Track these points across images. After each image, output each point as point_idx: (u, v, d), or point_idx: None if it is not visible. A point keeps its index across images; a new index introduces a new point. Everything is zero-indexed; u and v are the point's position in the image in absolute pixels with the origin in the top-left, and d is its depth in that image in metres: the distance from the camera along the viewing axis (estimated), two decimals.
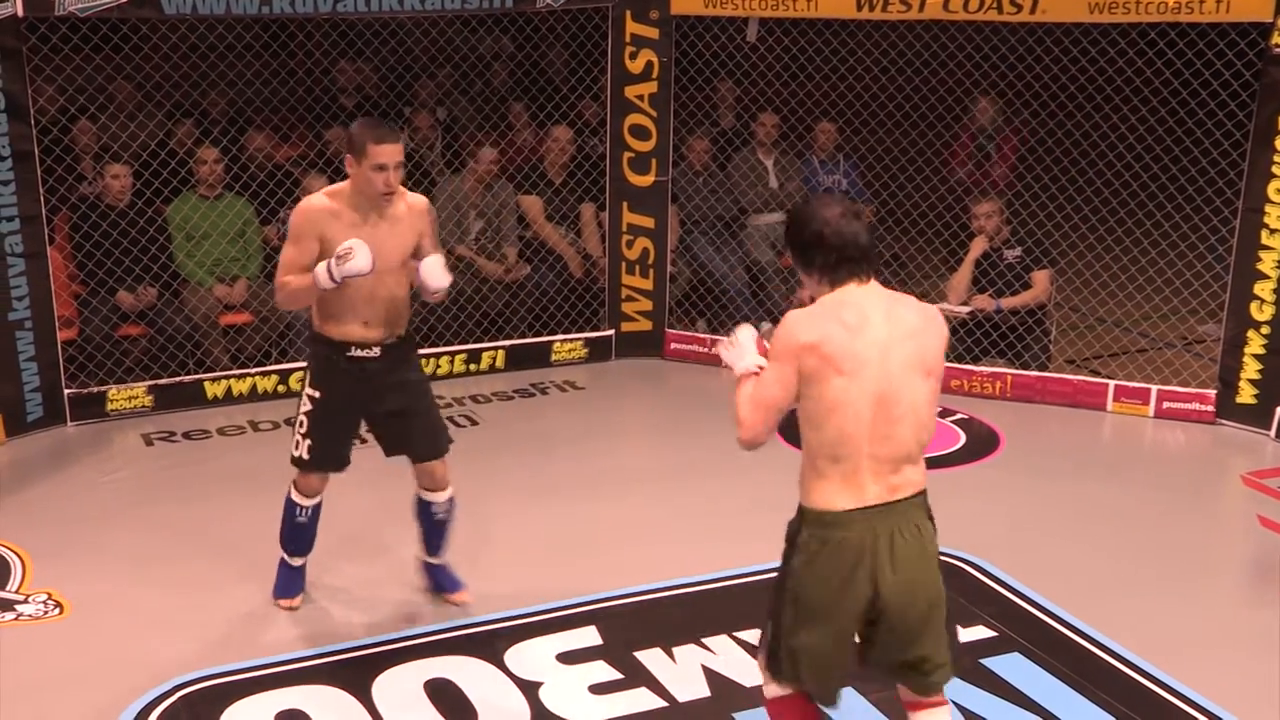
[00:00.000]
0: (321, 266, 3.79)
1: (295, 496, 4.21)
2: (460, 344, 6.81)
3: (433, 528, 4.32)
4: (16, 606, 4.37)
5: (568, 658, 4.09)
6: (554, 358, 6.98)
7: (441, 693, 3.88)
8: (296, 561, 4.33)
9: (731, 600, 4.48)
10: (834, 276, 2.91)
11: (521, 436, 6.07)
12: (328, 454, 4.13)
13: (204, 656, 3.99)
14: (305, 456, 4.11)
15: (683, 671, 4.02)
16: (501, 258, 6.98)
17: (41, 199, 5.74)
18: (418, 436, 4.17)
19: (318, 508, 4.24)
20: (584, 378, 6.86)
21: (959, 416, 6.30)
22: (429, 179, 7.05)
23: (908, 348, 2.88)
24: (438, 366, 6.71)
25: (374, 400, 4.09)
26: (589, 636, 4.21)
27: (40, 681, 3.94)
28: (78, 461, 5.67)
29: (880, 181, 7.19)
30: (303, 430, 4.10)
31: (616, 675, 4.01)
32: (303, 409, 4.10)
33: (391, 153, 3.82)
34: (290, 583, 4.34)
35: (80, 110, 6.76)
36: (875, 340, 2.86)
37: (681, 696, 3.90)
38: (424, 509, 4.29)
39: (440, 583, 4.39)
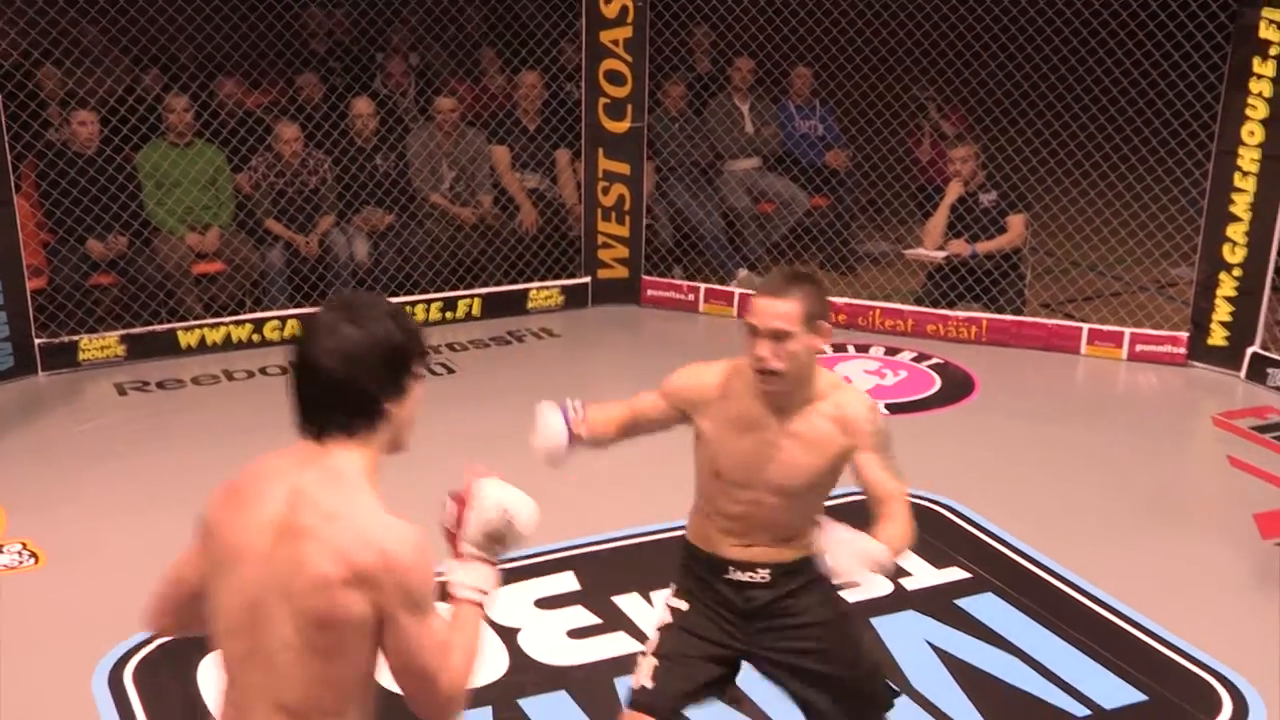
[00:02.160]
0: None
1: None
2: (436, 292, 6.78)
3: None
4: None
5: (546, 603, 4.11)
6: (530, 305, 6.96)
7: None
8: None
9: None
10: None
11: (499, 384, 6.06)
12: (668, 689, 2.84)
13: None
14: (647, 685, 2.86)
15: (661, 615, 4.04)
16: (476, 204, 6.93)
17: (6, 146, 5.65)
18: (842, 704, 2.86)
19: None
20: (560, 325, 6.84)
21: (934, 361, 6.32)
22: (403, 126, 6.98)
23: (285, 551, 1.88)
24: (413, 315, 6.65)
25: (754, 638, 2.87)
26: (567, 582, 4.23)
27: (16, 632, 3.93)
28: (50, 411, 5.64)
29: (856, 127, 7.16)
30: (652, 648, 2.92)
31: (595, 620, 4.03)
32: (658, 623, 3.00)
33: (766, 312, 2.64)
34: None
35: (44, 55, 6.65)
36: (263, 525, 1.92)
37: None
38: None
39: None
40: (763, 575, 2.80)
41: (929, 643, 3.91)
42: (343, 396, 1.92)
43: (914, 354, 6.42)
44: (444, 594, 1.98)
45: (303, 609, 1.86)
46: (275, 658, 1.90)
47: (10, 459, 5.15)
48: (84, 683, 3.66)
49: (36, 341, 5.92)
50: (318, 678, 1.90)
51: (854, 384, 2.66)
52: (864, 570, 2.48)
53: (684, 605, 2.88)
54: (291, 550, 1.87)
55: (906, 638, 3.93)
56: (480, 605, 2.01)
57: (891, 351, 6.45)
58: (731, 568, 2.81)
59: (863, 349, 6.48)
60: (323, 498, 1.89)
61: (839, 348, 6.49)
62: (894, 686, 3.05)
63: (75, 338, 6.03)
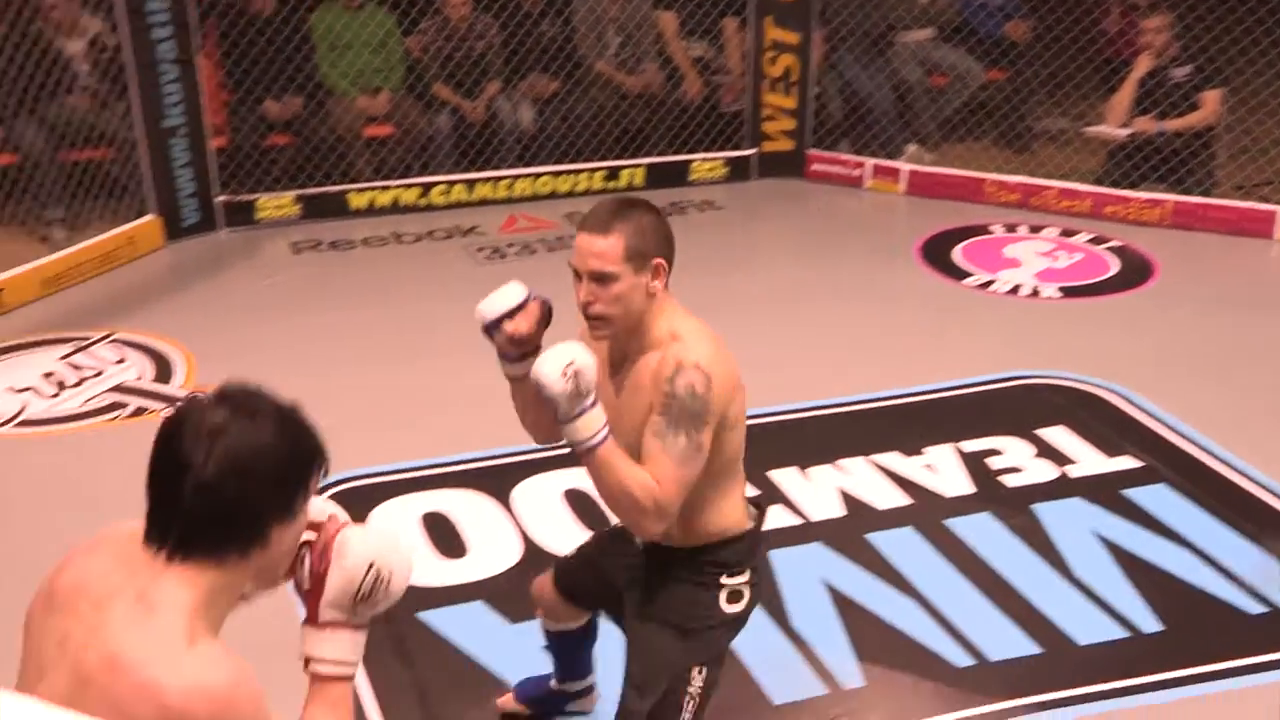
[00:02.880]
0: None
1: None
2: (599, 160, 6.76)
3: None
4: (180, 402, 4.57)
5: None
6: (692, 177, 6.89)
7: (579, 503, 3.96)
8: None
9: (868, 422, 4.46)
10: None
11: None
12: (566, 575, 2.85)
13: (354, 458, 4.14)
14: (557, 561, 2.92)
15: (817, 491, 4.05)
16: (641, 73, 6.85)
17: (192, 4, 5.78)
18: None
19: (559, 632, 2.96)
20: (722, 197, 6.77)
21: (1112, 244, 6.07)
22: None
23: (75, 698, 1.54)
24: (576, 183, 6.68)
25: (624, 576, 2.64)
26: None
27: None
28: (231, 267, 5.85)
29: None
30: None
31: (751, 492, 4.03)
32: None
33: (585, 250, 2.31)
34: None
35: None
36: (54, 642, 1.60)
37: (815, 516, 3.93)
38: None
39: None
40: (638, 542, 2.52)
41: (1095, 533, 3.83)
42: (221, 513, 1.58)
43: (1091, 236, 6.18)
44: (304, 666, 1.74)
45: None
46: None
47: (197, 310, 5.37)
48: None
49: (218, 199, 6.12)
50: None
51: (707, 342, 2.37)
52: (555, 372, 2.18)
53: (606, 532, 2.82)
54: (85, 700, 1.52)
55: (1071, 525, 3.86)
56: (348, 679, 1.73)
57: (1067, 233, 6.22)
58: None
59: (1036, 230, 6.26)
60: (114, 637, 1.55)
61: (1011, 228, 6.29)
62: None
63: (254, 196, 6.21)
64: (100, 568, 1.62)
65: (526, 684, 3.17)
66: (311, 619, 1.72)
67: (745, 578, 2.50)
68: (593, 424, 2.25)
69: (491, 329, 2.36)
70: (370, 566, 1.70)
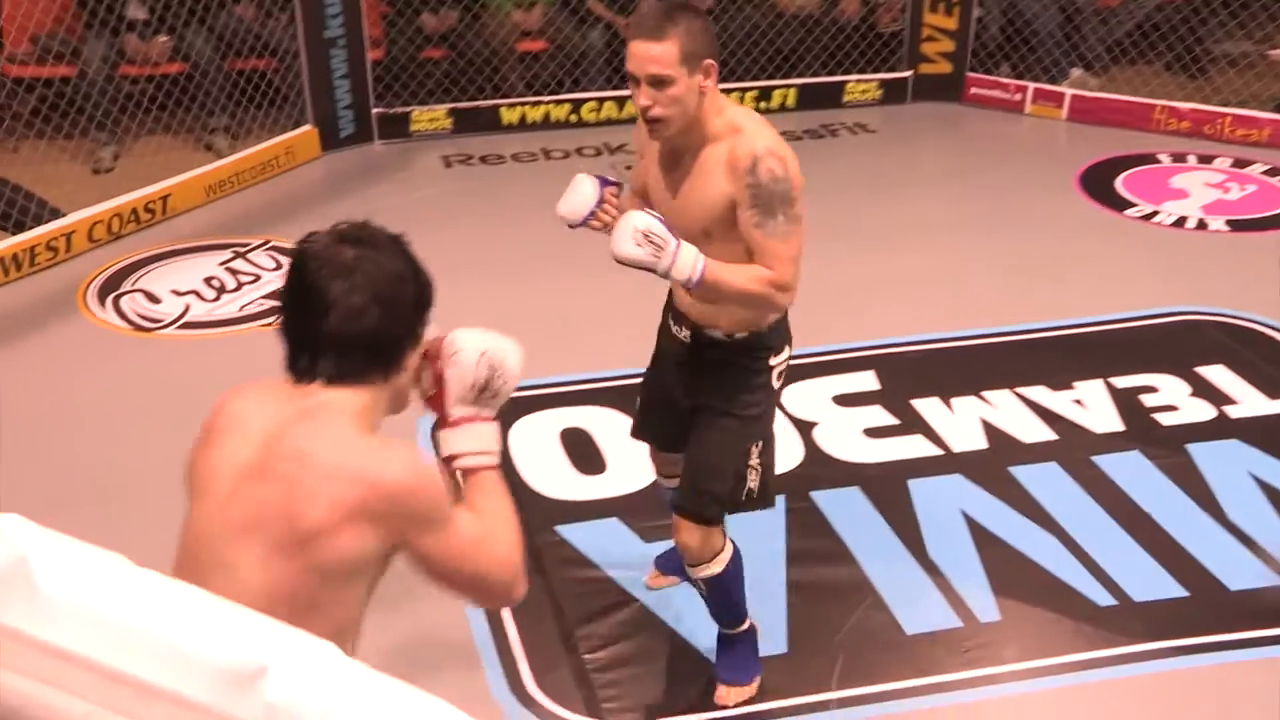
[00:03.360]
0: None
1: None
2: (751, 80, 6.66)
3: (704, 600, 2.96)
4: None
5: (845, 400, 4.11)
6: (846, 98, 6.75)
7: None
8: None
9: (1016, 354, 4.36)
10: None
11: (810, 179, 5.91)
12: (642, 421, 3.06)
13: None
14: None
15: (960, 422, 3.98)
16: None
17: None
18: (686, 469, 2.82)
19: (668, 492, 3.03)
20: (876, 120, 6.62)
21: None
22: None
23: (255, 493, 1.67)
24: None
25: (687, 395, 2.82)
26: (867, 381, 4.20)
27: None
28: (385, 179, 5.95)
29: None
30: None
31: (893, 420, 4.00)
32: None
33: (642, 56, 2.42)
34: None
35: None
36: (235, 461, 1.71)
37: (957, 447, 3.87)
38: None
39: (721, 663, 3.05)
40: (684, 335, 2.77)
41: (1251, 474, 3.69)
42: (367, 341, 1.69)
43: (1268, 167, 5.87)
44: (450, 473, 1.81)
45: (285, 557, 1.63)
46: None
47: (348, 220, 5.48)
48: (409, 424, 3.93)
49: (374, 111, 6.22)
50: None
51: (767, 128, 2.52)
52: (631, 241, 2.40)
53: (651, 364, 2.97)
54: (262, 493, 1.65)
55: (1227, 468, 3.72)
56: (494, 467, 1.84)
57: (1240, 164, 5.92)
58: (674, 321, 2.80)
59: (1206, 160, 5.98)
60: (297, 438, 1.67)
61: (1179, 157, 6.01)
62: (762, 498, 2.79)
63: (408, 109, 6.29)
64: (255, 401, 1.74)
65: (664, 557, 3.29)
66: (443, 421, 1.84)
67: (786, 354, 2.74)
68: (687, 261, 2.43)
69: (578, 227, 2.62)
70: (482, 355, 1.83)
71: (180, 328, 4.59)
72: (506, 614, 3.25)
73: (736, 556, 2.84)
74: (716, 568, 2.79)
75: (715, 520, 2.76)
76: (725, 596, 2.88)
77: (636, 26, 2.44)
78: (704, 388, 2.73)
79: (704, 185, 2.52)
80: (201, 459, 1.75)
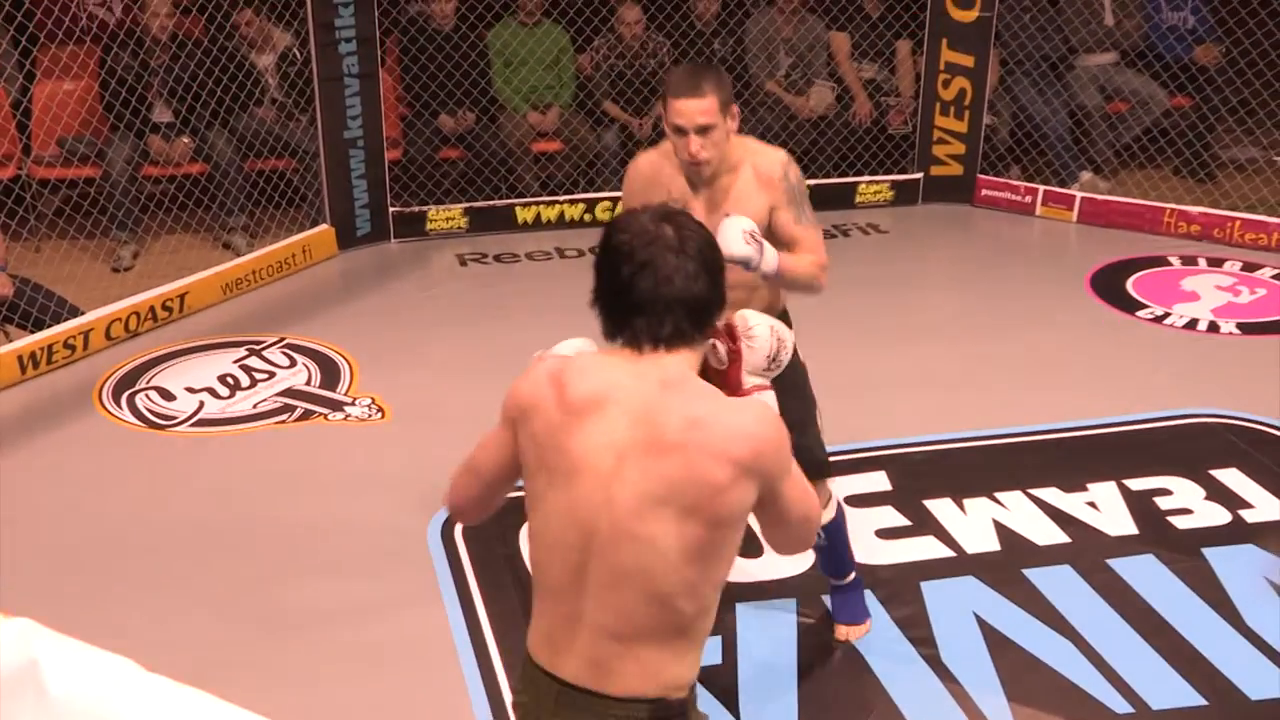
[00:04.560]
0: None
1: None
2: None
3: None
4: (345, 408, 4.72)
5: (857, 501, 4.09)
6: (858, 199, 6.83)
7: None
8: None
9: (1028, 455, 4.34)
10: (604, 328, 1.94)
11: None
12: None
13: None
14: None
15: (973, 523, 3.95)
16: (810, 94, 6.82)
17: (376, 20, 5.98)
18: None
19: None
20: (888, 221, 6.69)
21: None
22: (743, 10, 6.92)
23: (656, 468, 1.82)
24: None
25: None
26: (879, 481, 4.19)
27: (363, 478, 4.27)
28: (400, 277, 6.02)
29: (1235, 18, 6.55)
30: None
31: (905, 521, 3.98)
32: None
33: (692, 111, 2.80)
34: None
35: None
36: (605, 441, 1.85)
37: (970, 548, 3.84)
38: None
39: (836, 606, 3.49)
40: None
41: (1269, 580, 3.65)
42: (700, 305, 1.88)
43: (1276, 271, 5.90)
44: None
45: (695, 518, 1.82)
46: (609, 584, 1.85)
47: (364, 318, 5.54)
48: (420, 532, 3.93)
49: (390, 210, 6.31)
50: (682, 593, 1.85)
51: (764, 144, 3.07)
52: (742, 241, 2.73)
53: None
54: (665, 466, 1.82)
55: (1244, 573, 3.68)
56: None
57: (1250, 267, 5.96)
58: None
59: (1216, 263, 6.02)
60: (677, 407, 1.84)
61: (1189, 260, 6.05)
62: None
63: (424, 208, 6.38)
64: (601, 381, 1.88)
65: None
66: (734, 389, 2.08)
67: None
68: (772, 254, 2.80)
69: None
70: (772, 329, 2.13)
71: (193, 425, 4.61)
72: (486, 625, 3.36)
73: (841, 507, 3.30)
74: (830, 514, 3.23)
75: (821, 470, 3.12)
76: (837, 542, 3.31)
77: (678, 87, 2.83)
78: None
79: (744, 203, 2.92)
80: (565, 441, 1.86)
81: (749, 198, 2.94)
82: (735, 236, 2.72)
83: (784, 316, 3.15)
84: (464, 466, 2.11)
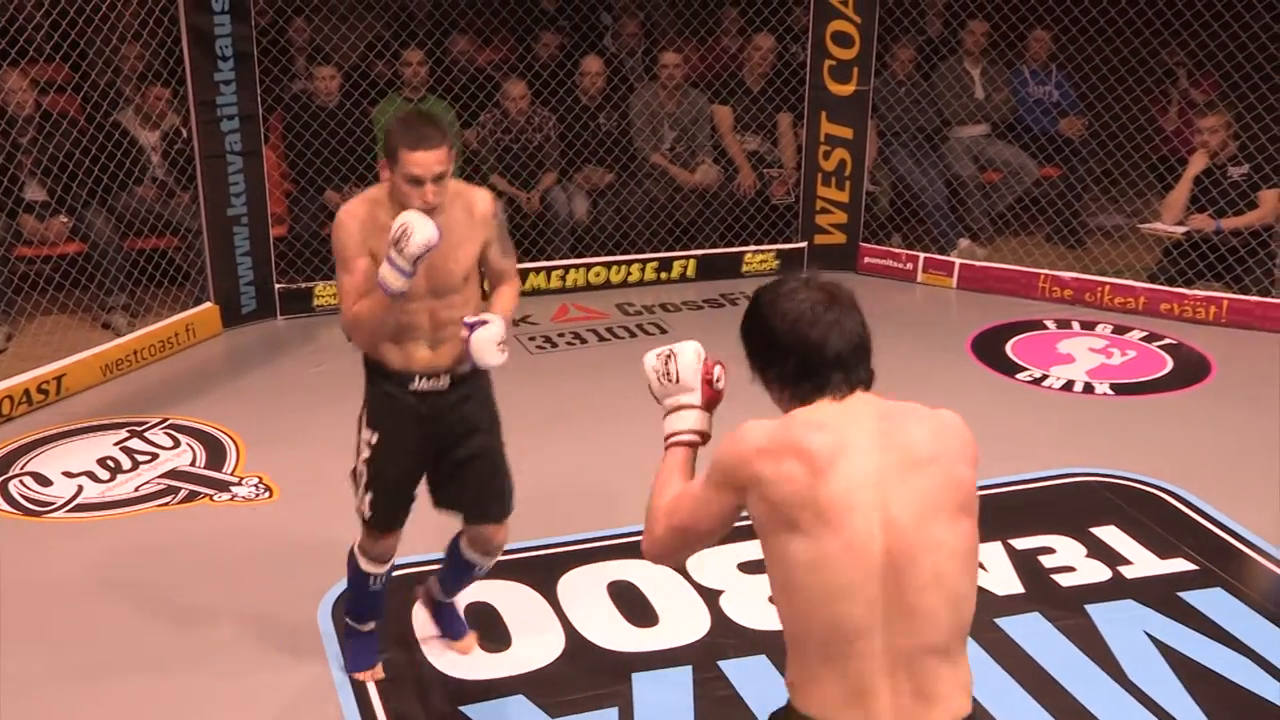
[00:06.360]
0: (384, 267, 2.97)
1: (365, 565, 3.44)
2: (652, 252, 6.83)
3: (465, 580, 3.60)
4: (231, 488, 4.62)
5: (749, 567, 4.11)
6: (745, 268, 6.94)
7: (624, 595, 3.95)
8: (368, 627, 3.57)
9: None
10: (795, 390, 2.09)
11: (710, 347, 6.00)
12: (396, 509, 3.37)
13: (402, 547, 4.14)
14: (369, 514, 3.34)
15: None
16: (695, 165, 6.94)
17: (259, 99, 5.95)
18: (479, 493, 3.37)
19: (391, 571, 3.50)
20: None
21: (1167, 341, 6.02)
22: (627, 85, 7.03)
23: (919, 483, 2.00)
24: (628, 274, 6.75)
25: (439, 443, 3.30)
26: None
27: (251, 559, 4.17)
28: (287, 354, 5.93)
29: (1095, 93, 6.84)
30: (364, 481, 3.33)
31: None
32: (361, 457, 3.33)
33: (429, 162, 2.95)
34: (366, 652, 3.59)
35: (296, 11, 6.94)
36: (859, 478, 1.98)
37: None
38: (463, 564, 3.53)
39: (448, 623, 3.73)
40: (443, 382, 3.22)
41: (1148, 634, 3.75)
42: (869, 349, 2.12)
43: (1144, 333, 6.13)
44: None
45: (963, 516, 2.03)
46: (913, 602, 1.97)
47: (250, 397, 5.45)
48: (310, 612, 3.85)
49: (276, 286, 6.23)
50: (968, 592, 2.03)
51: (485, 190, 3.28)
52: (498, 352, 3.07)
53: (375, 435, 3.28)
54: (926, 479, 2.00)
55: (1124, 627, 3.77)
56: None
57: (1120, 330, 6.18)
58: (418, 378, 3.21)
59: (1089, 326, 6.23)
60: (910, 428, 2.06)
61: (1063, 324, 6.25)
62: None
63: (311, 284, 6.32)
64: (833, 427, 2.02)
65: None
66: (713, 404, 2.36)
67: None
68: (503, 330, 3.12)
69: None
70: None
71: (70, 510, 4.47)
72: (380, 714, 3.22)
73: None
74: (498, 556, 3.52)
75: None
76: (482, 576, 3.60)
77: (412, 139, 2.96)
78: (468, 417, 3.28)
79: (464, 239, 3.12)
80: (822, 494, 1.97)
81: (468, 234, 3.14)
82: (491, 350, 3.06)
83: (470, 375, 3.30)
84: (668, 527, 2.17)
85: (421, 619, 3.81)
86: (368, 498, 3.32)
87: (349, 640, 3.61)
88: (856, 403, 2.07)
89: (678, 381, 2.34)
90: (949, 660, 2.01)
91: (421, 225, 2.91)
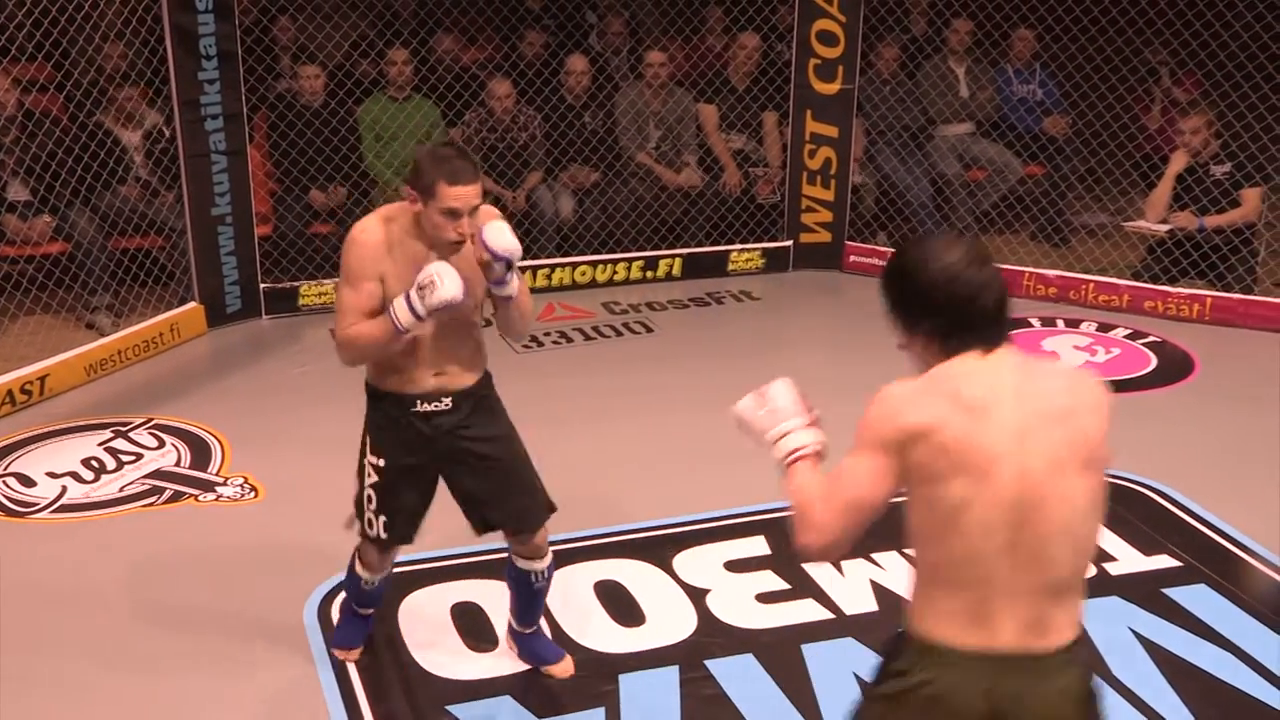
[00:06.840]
0: (400, 303, 3.01)
1: (362, 571, 3.51)
2: (638, 251, 6.83)
3: (530, 598, 3.53)
4: (216, 488, 4.61)
5: (736, 566, 4.12)
6: (730, 267, 6.95)
7: (611, 594, 3.95)
8: (366, 612, 3.64)
9: (902, 518, 4.41)
10: (945, 344, 2.19)
11: (696, 345, 6.07)
12: (409, 529, 3.41)
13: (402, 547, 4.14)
14: (384, 535, 3.37)
15: (851, 585, 4.01)
16: (680, 166, 6.94)
17: (243, 98, 5.93)
18: (506, 503, 3.36)
19: (389, 575, 3.58)
20: (760, 288, 6.81)
21: (1151, 339, 6.05)
22: (613, 84, 7.03)
23: (1055, 435, 2.13)
24: (614, 273, 6.75)
25: (451, 461, 3.31)
26: (758, 546, 4.23)
27: (236, 560, 4.16)
28: (272, 354, 5.92)
29: (1079, 92, 6.86)
30: (373, 506, 3.35)
31: (784, 585, 4.02)
32: (368, 482, 3.34)
33: (469, 195, 2.99)
34: (355, 634, 3.66)
35: (280, 10, 6.93)
36: (1007, 427, 2.12)
37: (849, 609, 3.89)
38: (520, 578, 3.49)
39: (536, 653, 3.62)
40: (446, 403, 3.23)
41: (1133, 630, 3.76)
42: (1010, 305, 2.21)
43: (1128, 331, 6.15)
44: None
45: (1092, 469, 2.16)
46: (1047, 542, 2.12)
47: (235, 397, 5.43)
48: (296, 612, 3.84)
49: (261, 286, 6.22)
50: (1089, 539, 2.19)
51: (492, 209, 3.21)
52: (511, 236, 3.04)
53: (382, 461, 3.29)
54: (1062, 432, 2.13)
55: (1109, 624, 3.78)
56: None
57: (1104, 328, 6.20)
58: (420, 401, 3.22)
59: (1073, 324, 6.25)
60: (1049, 382, 2.18)
61: (1048, 321, 6.27)
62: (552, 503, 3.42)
63: (296, 284, 6.31)
64: (983, 378, 2.14)
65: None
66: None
67: None
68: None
69: None
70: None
71: (55, 511, 4.45)
72: (367, 711, 3.34)
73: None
74: (550, 557, 3.48)
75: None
76: (547, 588, 3.53)
77: (455, 175, 2.97)
78: (477, 432, 3.27)
79: (479, 271, 3.11)
80: (980, 439, 2.10)
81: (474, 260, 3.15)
82: (506, 234, 3.03)
83: (487, 378, 3.34)
84: (827, 509, 2.24)
85: (410, 619, 3.81)
86: (381, 520, 3.33)
87: (344, 617, 3.70)
88: (1000, 356, 2.18)
89: (779, 412, 2.50)
90: (1067, 598, 2.17)
91: (450, 283, 2.95)
